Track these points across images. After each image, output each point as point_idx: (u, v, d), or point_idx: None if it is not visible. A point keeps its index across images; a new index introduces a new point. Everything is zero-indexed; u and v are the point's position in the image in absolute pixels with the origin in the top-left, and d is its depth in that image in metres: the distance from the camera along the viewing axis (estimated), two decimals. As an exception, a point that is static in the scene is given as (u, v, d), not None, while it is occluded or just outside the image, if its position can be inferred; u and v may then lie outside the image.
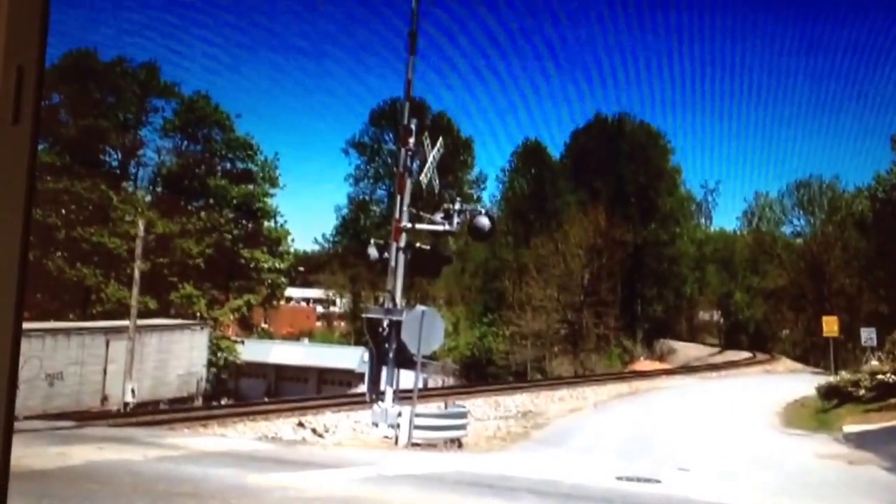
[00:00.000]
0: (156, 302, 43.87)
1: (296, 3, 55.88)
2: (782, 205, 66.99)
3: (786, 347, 68.66)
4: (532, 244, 64.34)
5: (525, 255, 64.38)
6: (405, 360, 27.22)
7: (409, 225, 29.02)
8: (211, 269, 47.77)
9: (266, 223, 51.80)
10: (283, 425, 29.52)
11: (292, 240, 53.78)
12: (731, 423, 33.35)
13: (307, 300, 77.84)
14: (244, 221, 50.86)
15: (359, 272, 61.66)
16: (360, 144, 65.91)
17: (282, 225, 52.45)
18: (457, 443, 26.46)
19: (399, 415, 26.05)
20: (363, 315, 31.53)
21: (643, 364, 61.54)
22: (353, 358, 50.31)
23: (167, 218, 46.65)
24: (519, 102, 70.52)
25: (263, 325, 61.07)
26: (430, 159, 30.07)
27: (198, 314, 45.50)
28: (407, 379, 27.71)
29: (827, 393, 36.15)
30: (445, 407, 29.01)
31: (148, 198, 50.83)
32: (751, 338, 70.91)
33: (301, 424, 29.52)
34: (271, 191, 51.92)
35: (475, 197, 64.82)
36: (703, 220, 73.53)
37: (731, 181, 74.57)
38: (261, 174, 51.67)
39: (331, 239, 69.64)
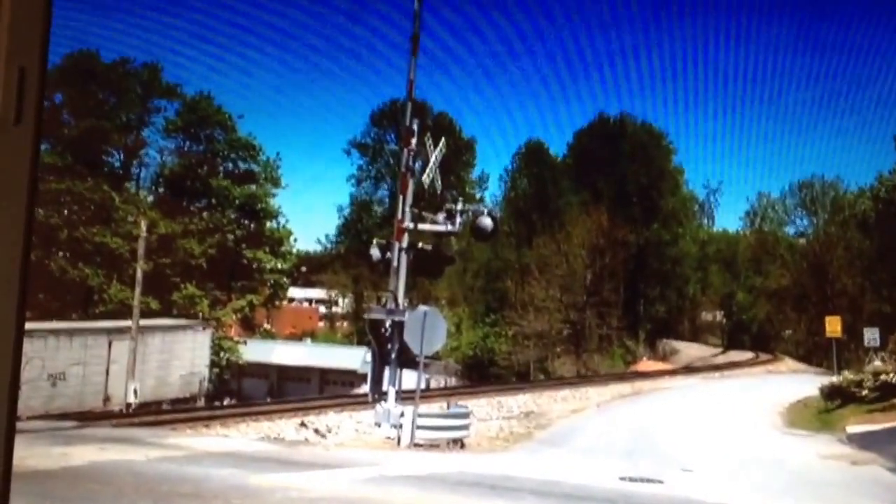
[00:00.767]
0: (158, 302, 43.88)
1: (298, 4, 55.90)
2: (785, 205, 67.05)
3: (788, 348, 68.65)
4: (534, 244, 64.32)
5: (527, 255, 64.38)
6: (407, 360, 27.23)
7: (412, 225, 29.03)
8: (213, 270, 47.80)
9: (268, 223, 51.84)
10: (286, 426, 29.50)
11: (294, 240, 53.89)
12: (734, 423, 33.33)
13: (309, 300, 77.89)
14: (246, 222, 50.90)
15: (361, 272, 61.67)
16: (362, 145, 66.01)
17: (284, 225, 52.57)
18: (459, 443, 26.45)
19: (401, 415, 26.03)
20: (366, 315, 31.53)
21: (646, 364, 61.52)
22: (355, 358, 50.31)
23: (169, 218, 46.68)
24: (521, 103, 70.65)
25: (266, 326, 61.11)
26: (433, 160, 30.08)
27: (200, 314, 45.52)
28: (409, 379, 27.71)
29: (830, 393, 36.11)
30: (448, 407, 28.99)
31: (150, 198, 50.88)
32: (753, 338, 70.89)
33: (303, 425, 29.50)
34: (273, 191, 52.02)
35: (477, 197, 64.88)
36: (705, 221, 73.56)
37: (734, 181, 74.57)
38: (263, 174, 51.72)
39: (333, 239, 69.76)
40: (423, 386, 28.54)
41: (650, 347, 67.34)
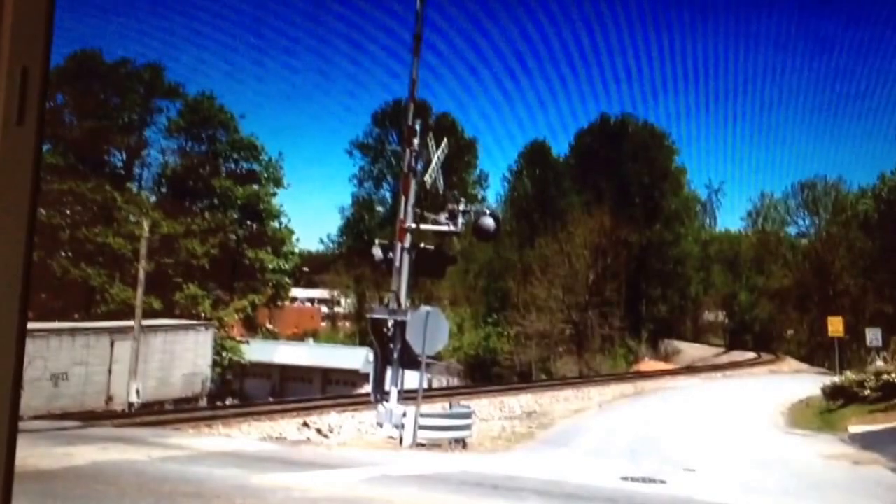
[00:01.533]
0: (160, 302, 43.88)
1: (300, 4, 55.92)
2: (787, 205, 67.08)
3: (791, 348, 68.64)
4: (537, 244, 64.35)
5: (530, 255, 64.39)
6: (410, 360, 27.23)
7: (414, 225, 29.03)
8: (215, 270, 47.80)
9: (270, 223, 51.83)
10: (288, 425, 29.53)
11: (297, 240, 53.88)
12: (736, 423, 33.32)
13: (312, 300, 77.93)
14: (249, 222, 50.90)
15: (363, 272, 61.73)
16: (365, 145, 66.06)
17: (286, 225, 52.56)
18: (461, 443, 26.44)
19: (404, 415, 26.04)
20: (368, 315, 31.55)
21: (648, 364, 61.54)
22: (357, 358, 50.34)
23: (172, 218, 46.66)
24: (522, 103, 70.57)
25: (268, 326, 61.11)
26: (435, 160, 30.07)
27: (202, 314, 45.53)
28: (411, 379, 27.71)
29: (832, 393, 36.10)
30: (450, 407, 28.98)
31: (152, 198, 50.89)
32: (756, 338, 70.88)
33: (306, 425, 29.54)
34: (275, 191, 52.03)
35: (479, 197, 64.94)
36: (707, 221, 73.57)
37: (736, 181, 74.72)
38: (265, 174, 51.71)
39: (335, 239, 69.82)
40: (425, 386, 28.54)
41: (652, 347, 67.35)
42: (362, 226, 65.31)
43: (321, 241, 70.17)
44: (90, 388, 35.08)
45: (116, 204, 45.83)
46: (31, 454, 17.32)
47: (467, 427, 27.21)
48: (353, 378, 50.11)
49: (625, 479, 19.78)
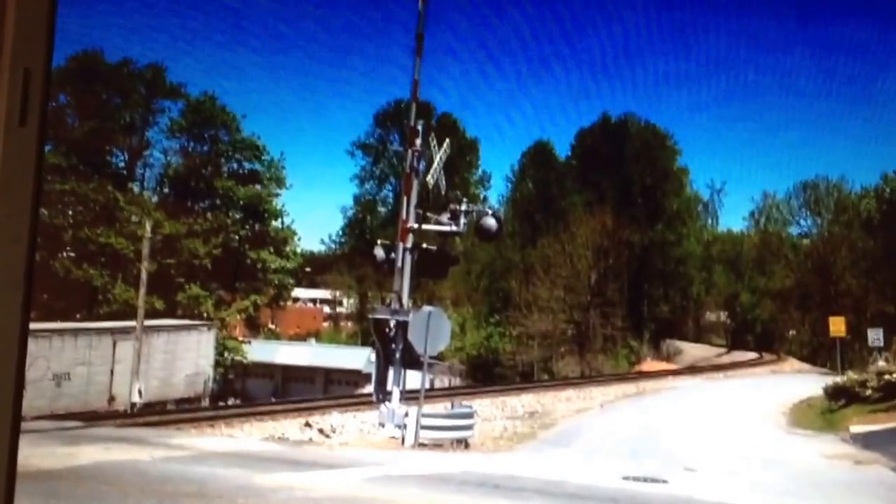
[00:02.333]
0: (163, 302, 43.90)
1: (302, 4, 55.94)
2: (789, 205, 67.08)
3: (792, 348, 68.65)
4: (539, 245, 64.36)
5: (532, 255, 64.41)
6: (412, 360, 27.23)
7: (416, 225, 29.02)
8: (218, 270, 47.81)
9: (273, 223, 51.85)
10: (290, 426, 29.53)
11: (299, 239, 53.90)
12: (738, 423, 33.32)
13: (314, 301, 77.97)
14: (251, 222, 50.90)
15: (366, 273, 61.74)
16: (367, 145, 66.09)
17: (288, 225, 52.57)
18: (463, 443, 26.44)
19: (406, 415, 26.05)
20: (370, 316, 31.57)
21: (650, 364, 61.53)
22: (359, 358, 50.36)
23: (174, 219, 46.68)
24: (524, 103, 70.64)
25: (270, 326, 61.15)
26: (437, 160, 30.06)
27: (205, 315, 45.54)
28: (413, 379, 27.71)
29: (834, 393, 36.07)
30: (452, 407, 28.97)
31: (154, 199, 50.92)
32: (758, 338, 70.88)
33: (308, 425, 29.54)
34: (277, 191, 52.05)
35: (481, 197, 64.94)
36: (709, 221, 73.57)
37: (738, 182, 74.76)
38: (267, 174, 51.72)
39: (337, 239, 69.82)
40: (427, 386, 28.54)
41: (654, 348, 67.36)
42: (364, 226, 65.34)
43: (323, 241, 70.19)
44: (93, 388, 35.10)
45: (118, 204, 45.86)
46: (34, 454, 17.34)
47: (469, 427, 27.20)
48: (355, 378, 50.14)
49: (626, 478, 19.78)
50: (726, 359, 66.12)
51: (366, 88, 66.32)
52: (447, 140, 31.51)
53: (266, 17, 52.97)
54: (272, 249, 50.89)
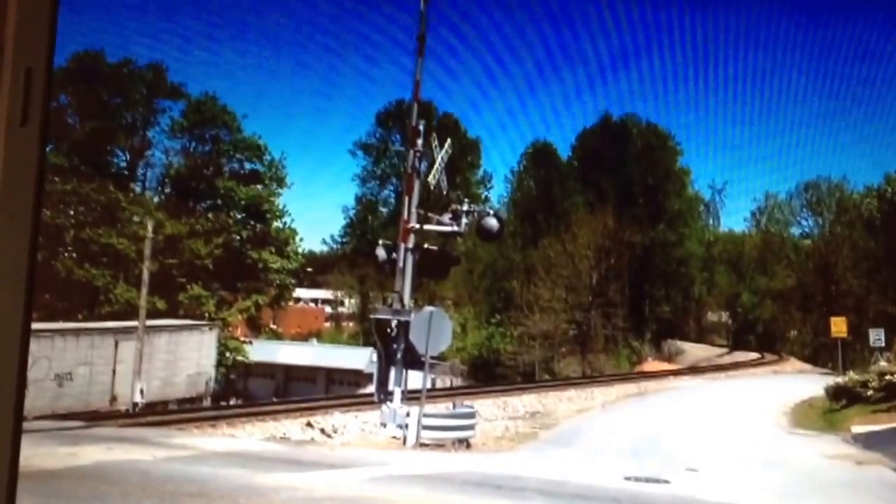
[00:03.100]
0: (164, 302, 43.92)
1: (303, 4, 55.96)
2: (791, 206, 67.03)
3: (794, 348, 68.63)
4: (540, 245, 64.34)
5: (533, 255, 64.40)
6: (413, 360, 27.24)
7: (418, 226, 29.03)
8: (219, 270, 47.82)
9: (274, 224, 51.83)
10: (292, 425, 29.52)
11: (300, 239, 53.87)
12: (740, 423, 33.31)
13: (315, 301, 77.97)
14: (252, 222, 50.89)
15: (367, 273, 61.74)
16: (368, 146, 66.05)
17: (289, 226, 52.55)
18: (465, 443, 26.43)
19: (407, 415, 26.06)
20: (372, 316, 31.54)
21: (651, 365, 61.51)
22: (361, 358, 50.35)
23: (175, 219, 46.69)
24: (526, 103, 70.58)
25: (272, 326, 61.17)
26: (439, 160, 30.07)
27: (206, 315, 45.55)
28: (415, 379, 27.72)
29: (835, 393, 36.08)
30: (454, 407, 28.97)
31: (156, 199, 50.92)
32: (759, 338, 70.84)
33: (309, 425, 29.53)
34: (279, 191, 52.04)
35: (482, 197, 64.92)
36: (711, 221, 73.53)
37: (740, 182, 74.54)
38: (268, 174, 51.72)
39: (339, 239, 69.78)
40: (428, 386, 28.54)
41: (655, 348, 67.33)
42: (366, 226, 65.31)
43: (325, 241, 70.15)
44: (94, 388, 35.12)
45: (120, 204, 45.88)
46: (36, 454, 17.37)
47: (471, 427, 27.20)
48: (356, 378, 50.14)
49: (628, 478, 19.79)
50: (728, 359, 66.09)
51: (367, 88, 66.37)
52: (449, 140, 31.51)
53: (267, 17, 52.93)
54: (273, 249, 50.87)
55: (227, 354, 46.17)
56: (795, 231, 68.51)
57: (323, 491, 16.46)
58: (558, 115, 71.32)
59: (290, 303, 60.69)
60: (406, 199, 29.55)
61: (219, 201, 50.29)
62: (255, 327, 54.20)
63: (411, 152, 29.74)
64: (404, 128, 44.18)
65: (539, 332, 60.67)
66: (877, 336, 44.48)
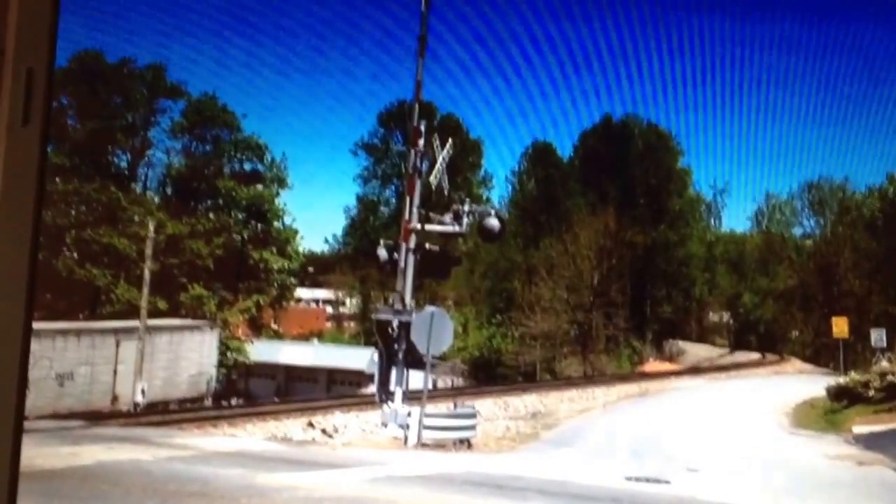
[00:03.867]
0: (166, 302, 43.91)
1: (304, 3, 55.92)
2: (792, 206, 66.92)
3: (795, 348, 68.48)
4: (541, 245, 64.27)
5: (534, 256, 64.30)
6: (415, 360, 27.26)
7: (419, 226, 29.04)
8: (220, 270, 47.78)
9: (275, 224, 51.80)
10: (293, 425, 29.54)
11: (301, 238, 53.81)
12: (741, 423, 33.32)
13: (317, 301, 77.86)
14: (253, 222, 50.87)
15: (369, 273, 61.66)
16: (370, 145, 65.92)
17: (290, 225, 52.49)
18: (466, 443, 26.46)
19: (408, 415, 26.09)
20: (373, 316, 31.56)
21: (653, 365, 61.48)
22: (362, 358, 50.23)
23: (176, 219, 46.67)
24: (528, 103, 70.44)
25: (273, 326, 61.11)
26: (440, 160, 30.10)
27: (208, 315, 45.55)
28: (416, 379, 27.74)
29: (836, 394, 36.06)
30: (455, 407, 29.00)
31: (157, 199, 50.89)
32: (760, 339, 70.70)
33: (311, 425, 29.55)
34: (279, 190, 51.99)
35: (483, 198, 64.82)
36: (712, 222, 73.38)
37: (741, 182, 74.38)
38: (269, 174, 51.68)
39: (340, 239, 69.67)
40: (429, 386, 28.55)
41: (657, 348, 67.23)
42: (367, 226, 65.20)
43: (326, 241, 70.01)
44: (96, 387, 35.14)
45: (121, 204, 45.86)
46: (37, 454, 17.37)
47: (472, 427, 27.23)
48: (357, 378, 50.05)
49: (629, 479, 19.81)
50: (729, 359, 66.04)
51: (369, 88, 66.09)
52: (450, 140, 31.53)
53: (267, 16, 52.84)
54: (275, 249, 50.85)
55: (229, 354, 46.14)
56: (797, 231, 68.40)
57: (324, 491, 16.47)
58: (559, 115, 71.14)
59: (292, 303, 60.65)
60: (407, 199, 29.59)
61: (220, 201, 50.26)
62: (257, 327, 54.14)
63: (413, 152, 29.77)
64: (406, 128, 44.20)
65: (540, 332, 60.60)
66: (878, 336, 44.44)
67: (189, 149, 51.83)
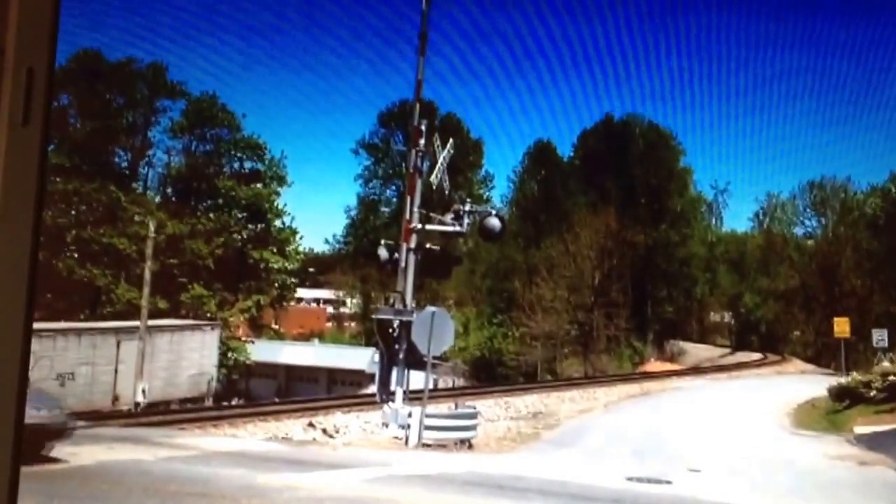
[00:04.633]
0: (166, 302, 43.92)
1: (305, 3, 55.91)
2: (794, 206, 66.88)
3: (797, 349, 68.47)
4: (542, 245, 64.28)
5: (535, 256, 64.31)
6: (415, 360, 27.24)
7: (420, 226, 29.03)
8: (221, 270, 47.78)
9: (275, 223, 51.78)
10: (294, 426, 29.54)
11: (301, 238, 53.79)
12: (742, 424, 33.30)
13: (317, 301, 77.86)
14: (253, 222, 50.85)
15: (369, 273, 61.67)
16: (370, 145, 65.92)
17: (289, 225, 52.48)
18: (467, 443, 26.45)
19: (409, 415, 26.07)
20: (374, 316, 31.54)
21: (654, 365, 61.47)
22: (363, 359, 50.25)
23: (177, 218, 46.68)
24: (528, 103, 70.46)
25: (273, 326, 61.11)
26: (441, 160, 30.10)
27: (208, 315, 45.55)
28: (417, 380, 27.73)
29: (838, 394, 36.04)
30: (456, 407, 28.98)
31: (157, 198, 50.90)
32: (762, 339, 70.69)
33: (311, 425, 29.54)
34: (279, 190, 51.96)
35: (484, 197, 64.80)
36: (713, 221, 73.35)
37: (742, 182, 74.35)
38: (268, 173, 51.65)
39: (341, 239, 69.67)
40: (430, 386, 28.54)
41: (658, 348, 67.22)
42: (368, 226, 65.19)
43: (327, 241, 70.01)
44: (96, 387, 35.14)
45: (122, 204, 45.87)
46: (38, 454, 17.35)
47: (473, 427, 27.22)
48: (358, 378, 50.05)
49: (630, 479, 19.80)
50: (730, 359, 66.00)
51: (370, 88, 66.11)
52: (451, 140, 31.53)
53: (268, 16, 52.84)
54: (275, 249, 50.84)
55: (229, 354, 46.14)
56: (798, 231, 68.34)
57: (324, 491, 16.46)
58: (560, 115, 71.12)
59: (292, 303, 60.67)
60: (408, 198, 29.57)
61: (220, 201, 50.25)
62: (257, 327, 54.13)
63: (413, 152, 29.75)
64: (407, 128, 44.16)
65: (541, 332, 60.60)
66: (880, 336, 44.40)
67: (189, 148, 51.84)
